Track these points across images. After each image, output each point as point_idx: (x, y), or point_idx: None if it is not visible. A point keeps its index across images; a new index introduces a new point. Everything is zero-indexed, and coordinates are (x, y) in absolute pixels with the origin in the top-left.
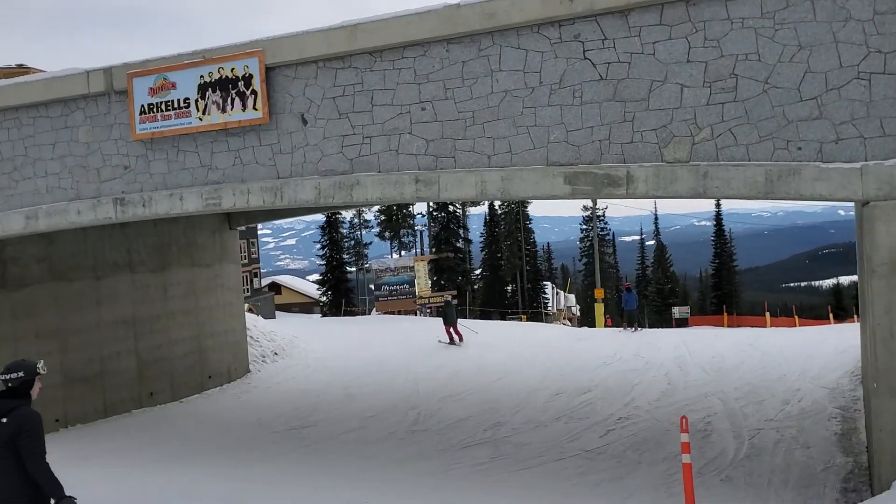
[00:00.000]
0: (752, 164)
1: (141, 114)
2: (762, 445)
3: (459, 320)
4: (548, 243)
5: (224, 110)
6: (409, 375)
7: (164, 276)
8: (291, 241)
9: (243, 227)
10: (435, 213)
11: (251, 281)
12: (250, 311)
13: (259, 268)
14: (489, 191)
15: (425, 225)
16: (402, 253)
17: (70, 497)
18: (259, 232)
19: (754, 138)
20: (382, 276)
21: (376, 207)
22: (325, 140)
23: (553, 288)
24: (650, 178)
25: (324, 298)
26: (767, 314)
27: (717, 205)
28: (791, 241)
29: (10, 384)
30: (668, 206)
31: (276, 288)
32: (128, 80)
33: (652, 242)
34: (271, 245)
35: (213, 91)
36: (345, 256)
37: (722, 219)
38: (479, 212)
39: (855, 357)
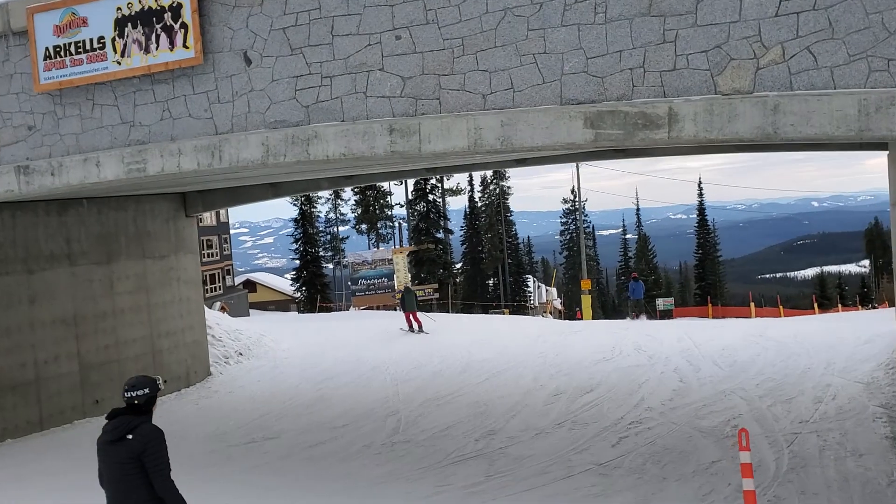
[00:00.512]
0: (840, 92)
1: (46, 59)
2: (805, 454)
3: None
4: (528, 237)
5: (147, 50)
6: (387, 376)
7: (111, 268)
8: (269, 240)
9: (203, 215)
10: (414, 203)
11: (223, 278)
12: (223, 309)
13: (232, 264)
14: (486, 140)
15: (404, 219)
16: (381, 246)
17: None
18: (235, 231)
19: (842, 58)
20: (359, 269)
21: (352, 198)
22: (273, 83)
23: (535, 282)
24: (700, 116)
25: (298, 295)
26: (752, 304)
27: (700, 193)
28: (766, 232)
29: (136, 401)
30: (643, 200)
31: (250, 286)
32: (27, 18)
33: (629, 236)
34: (248, 244)
35: (134, 27)
36: (320, 251)
37: (705, 208)
38: (458, 207)
39: (885, 347)
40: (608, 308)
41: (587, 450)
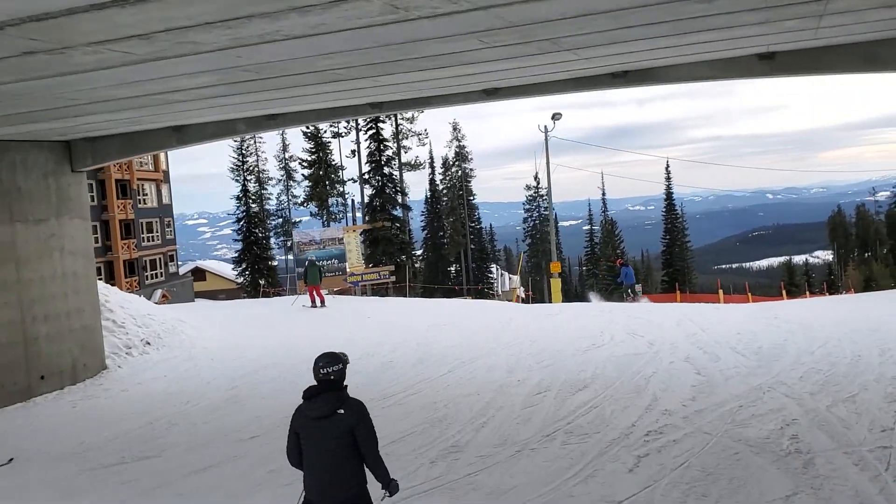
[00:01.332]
0: None
1: None
2: None
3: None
4: (490, 224)
5: None
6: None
7: None
8: (228, 231)
9: (93, 169)
10: (368, 177)
11: (166, 264)
12: (164, 297)
13: (175, 250)
14: None
15: (357, 199)
16: (332, 225)
17: (395, 480)
18: (194, 222)
19: None
20: (306, 249)
21: (305, 182)
22: None
23: (498, 270)
24: None
25: (241, 280)
26: (721, 291)
27: (668, 178)
28: (721, 224)
29: (331, 377)
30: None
31: (199, 274)
32: None
33: (588, 227)
34: (208, 235)
35: None
36: (269, 233)
37: (672, 193)
38: (418, 194)
39: None
40: (572, 296)
41: (593, 477)
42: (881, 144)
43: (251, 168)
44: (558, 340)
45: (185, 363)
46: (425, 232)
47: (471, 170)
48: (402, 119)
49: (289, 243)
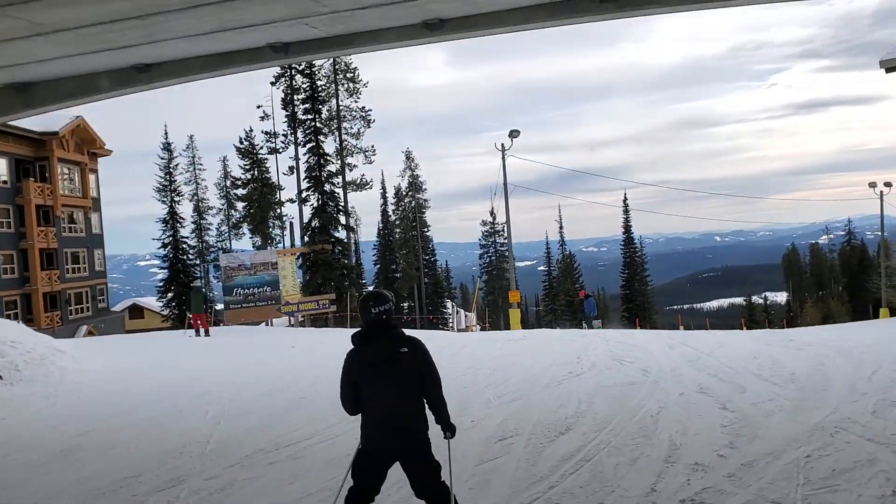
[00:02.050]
0: None
1: None
2: None
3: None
4: (446, 262)
5: None
6: (212, 407)
7: None
8: None
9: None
10: (306, 194)
11: (94, 299)
12: (90, 334)
13: (106, 283)
14: None
15: (296, 220)
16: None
17: (454, 425)
18: (146, 263)
19: None
20: (234, 276)
21: (235, 192)
22: None
23: (454, 306)
24: None
25: (166, 311)
26: (682, 327)
27: (626, 211)
28: (672, 265)
29: (384, 316)
30: (554, 234)
31: (138, 311)
32: None
33: (544, 267)
34: (159, 275)
35: None
36: (197, 262)
37: (630, 226)
38: (369, 228)
39: None
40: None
41: None
42: (824, 189)
43: (177, 188)
44: (525, 369)
45: (40, 402)
46: (377, 265)
47: (425, 200)
48: (347, 134)
49: (212, 263)
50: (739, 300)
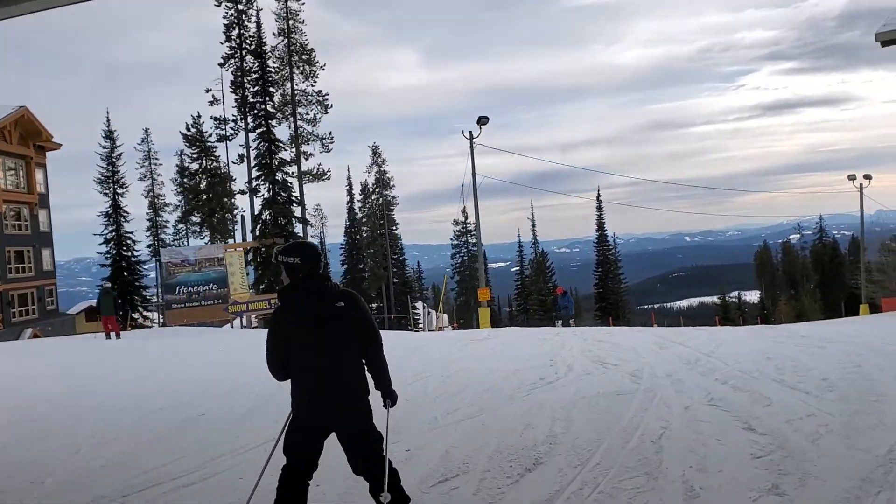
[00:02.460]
0: None
1: None
2: None
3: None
4: (418, 262)
5: None
6: (84, 428)
7: None
8: (153, 274)
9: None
10: (258, 183)
11: (40, 300)
12: (35, 336)
13: (55, 284)
14: None
15: (247, 213)
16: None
17: (395, 391)
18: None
19: None
20: (177, 272)
21: (182, 182)
22: None
23: (425, 307)
24: None
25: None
26: (655, 325)
27: (599, 207)
28: (643, 266)
29: (310, 267)
30: (526, 234)
31: (93, 314)
32: None
33: (517, 267)
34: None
35: None
36: (141, 258)
37: (604, 223)
38: (338, 241)
39: None
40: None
41: None
42: (790, 189)
43: (121, 179)
44: (487, 375)
45: None
46: (344, 265)
47: (393, 197)
48: (303, 120)
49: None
50: (709, 299)
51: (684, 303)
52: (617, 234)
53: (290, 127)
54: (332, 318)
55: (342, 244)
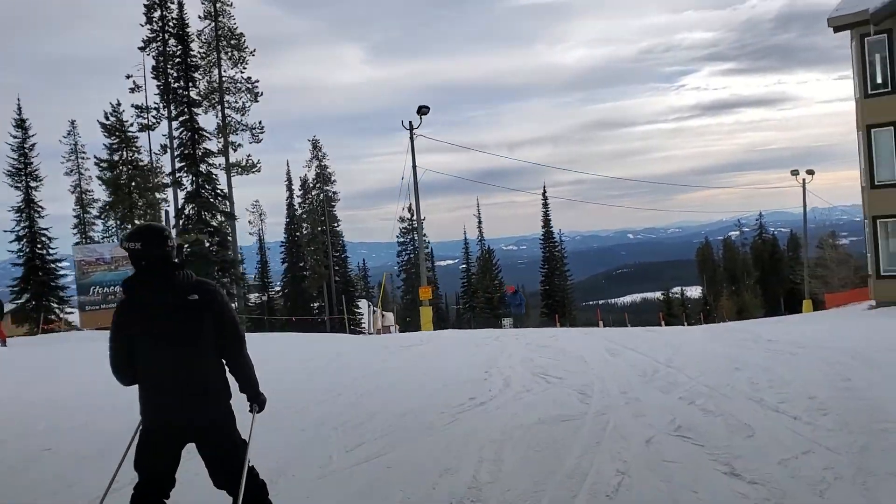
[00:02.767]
0: None
1: None
2: None
3: None
4: (363, 260)
5: None
6: None
7: None
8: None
9: None
10: (180, 175)
11: None
12: None
13: None
14: None
15: (171, 208)
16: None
17: (263, 394)
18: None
19: None
20: (91, 272)
21: (99, 176)
22: None
23: (370, 306)
24: None
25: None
26: (601, 322)
27: (545, 203)
28: (588, 262)
29: (160, 253)
30: (473, 232)
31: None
32: None
33: (464, 266)
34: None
35: None
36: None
37: (550, 220)
38: (278, 239)
39: None
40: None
41: None
42: (729, 188)
43: (34, 172)
44: (407, 392)
45: None
46: (284, 263)
47: (334, 193)
48: (231, 109)
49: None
50: (652, 295)
51: (628, 299)
52: (563, 232)
53: (216, 116)
54: (181, 312)
55: (282, 242)
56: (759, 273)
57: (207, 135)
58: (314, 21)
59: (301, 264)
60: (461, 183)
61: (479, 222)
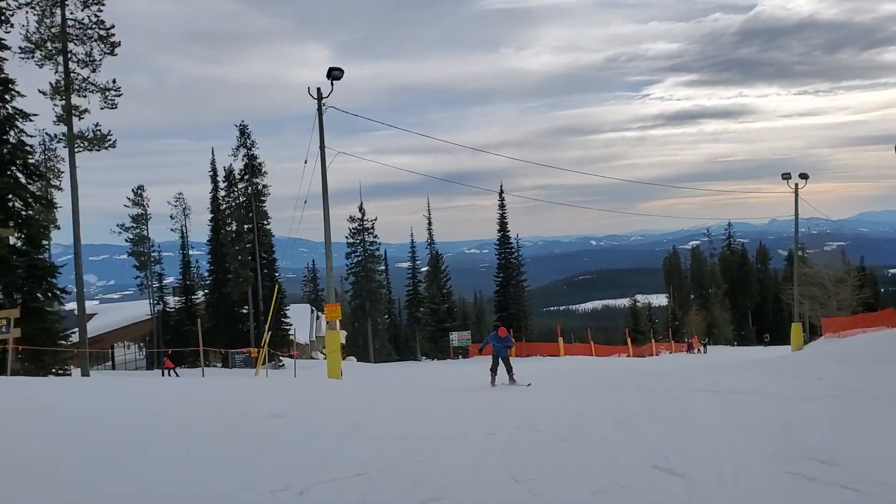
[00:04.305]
0: None
1: None
2: None
3: None
4: (313, 260)
5: None
6: None
7: None
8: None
9: None
10: None
11: None
12: None
13: None
14: None
15: None
16: None
17: None
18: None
19: None
20: None
21: None
22: None
23: (314, 312)
24: None
25: None
26: (561, 340)
27: (502, 205)
28: (550, 268)
29: None
30: (438, 235)
31: None
32: None
33: (426, 269)
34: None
35: None
36: None
37: (507, 224)
38: (201, 229)
39: None
40: (400, 342)
41: None
42: (691, 197)
43: None
44: None
45: None
46: (210, 265)
47: (264, 186)
48: (75, 61)
49: None
50: (614, 302)
51: (589, 305)
52: (524, 237)
53: (57, 71)
54: None
55: (207, 242)
56: (728, 285)
57: (15, 90)
58: (279, 18)
59: (227, 266)
60: (427, 184)
61: (430, 223)
